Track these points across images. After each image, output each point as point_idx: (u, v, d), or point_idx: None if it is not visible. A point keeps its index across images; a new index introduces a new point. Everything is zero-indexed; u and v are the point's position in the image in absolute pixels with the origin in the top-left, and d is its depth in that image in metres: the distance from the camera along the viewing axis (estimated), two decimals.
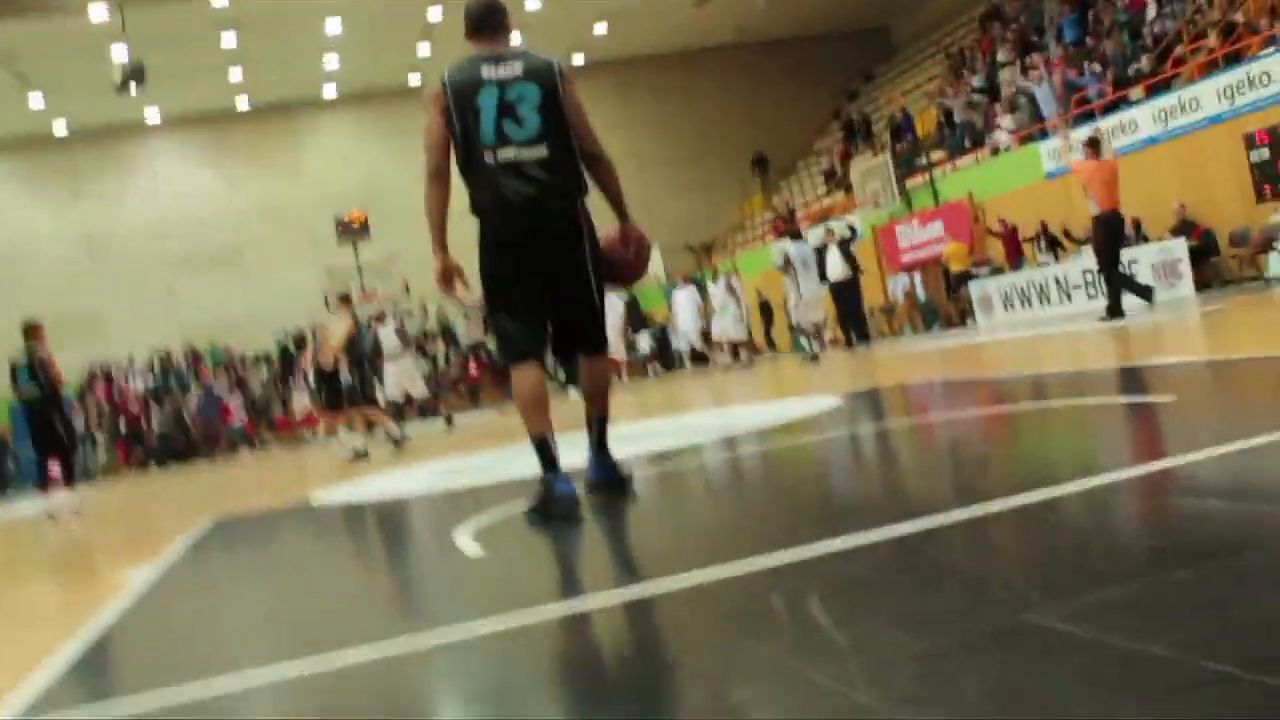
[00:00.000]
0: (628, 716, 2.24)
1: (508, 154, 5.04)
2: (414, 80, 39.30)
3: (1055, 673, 1.95)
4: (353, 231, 33.23)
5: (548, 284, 5.18)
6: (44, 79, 32.97)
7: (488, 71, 5.07)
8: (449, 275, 5.42)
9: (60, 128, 37.40)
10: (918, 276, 27.57)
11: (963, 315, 24.71)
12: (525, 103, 5.05)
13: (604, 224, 5.35)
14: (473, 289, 5.53)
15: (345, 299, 15.16)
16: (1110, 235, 14.47)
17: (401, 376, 18.63)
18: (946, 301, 26.37)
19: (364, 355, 15.03)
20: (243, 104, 38.73)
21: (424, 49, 36.41)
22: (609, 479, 5.39)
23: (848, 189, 31.74)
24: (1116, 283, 14.54)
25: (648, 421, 11.08)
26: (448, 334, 37.92)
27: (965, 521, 3.35)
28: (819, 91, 41.59)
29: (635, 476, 5.64)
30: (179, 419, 34.98)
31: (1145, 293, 14.64)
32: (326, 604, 4.32)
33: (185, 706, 2.84)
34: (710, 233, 39.11)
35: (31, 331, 13.34)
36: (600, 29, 37.44)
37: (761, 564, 3.20)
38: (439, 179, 5.21)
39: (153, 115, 37.84)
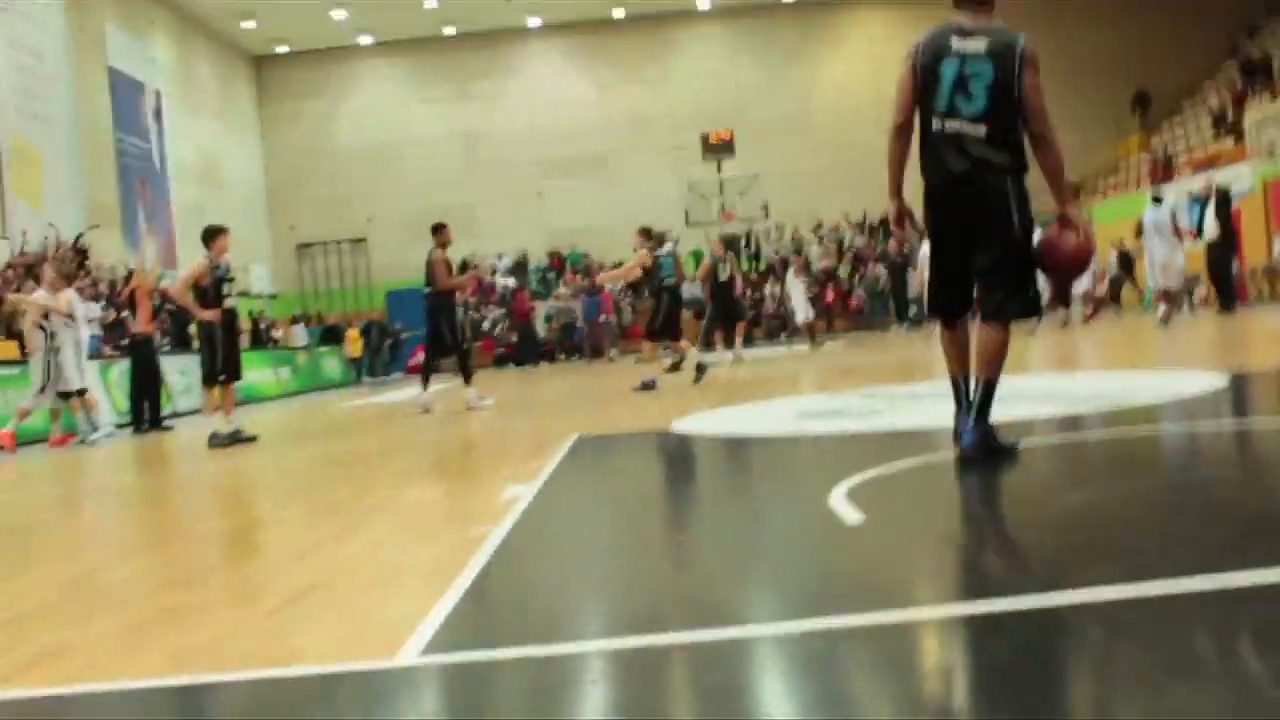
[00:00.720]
0: None
1: (954, 125, 5.29)
2: None
3: None
4: (718, 149, 33.41)
5: (971, 251, 5.41)
6: None
7: (956, 43, 5.29)
8: (900, 218, 5.75)
9: (449, 29, 39.16)
10: None
11: None
12: (979, 80, 5.22)
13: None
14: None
15: (645, 232, 15.23)
16: None
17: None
18: None
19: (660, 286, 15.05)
20: (618, 13, 39.42)
21: None
22: (986, 446, 5.44)
23: (1239, 136, 29.56)
24: None
25: (1008, 380, 10.63)
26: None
27: None
28: (1213, 24, 38.52)
29: (1019, 446, 5.63)
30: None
31: None
32: (679, 565, 4.30)
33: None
34: (1079, 173, 37.18)
35: (433, 230, 14.01)
36: None
37: (1184, 588, 2.92)
38: (901, 133, 5.50)
39: (534, 21, 39.10)
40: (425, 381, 14.42)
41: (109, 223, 29.24)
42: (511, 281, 37.32)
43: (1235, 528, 3.81)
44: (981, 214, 5.32)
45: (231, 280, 12.55)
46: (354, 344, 34.09)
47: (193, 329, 18.09)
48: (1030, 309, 5.68)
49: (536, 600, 3.77)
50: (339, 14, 36.67)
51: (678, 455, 7.77)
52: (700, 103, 39.09)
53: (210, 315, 11.98)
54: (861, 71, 40.19)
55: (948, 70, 5.25)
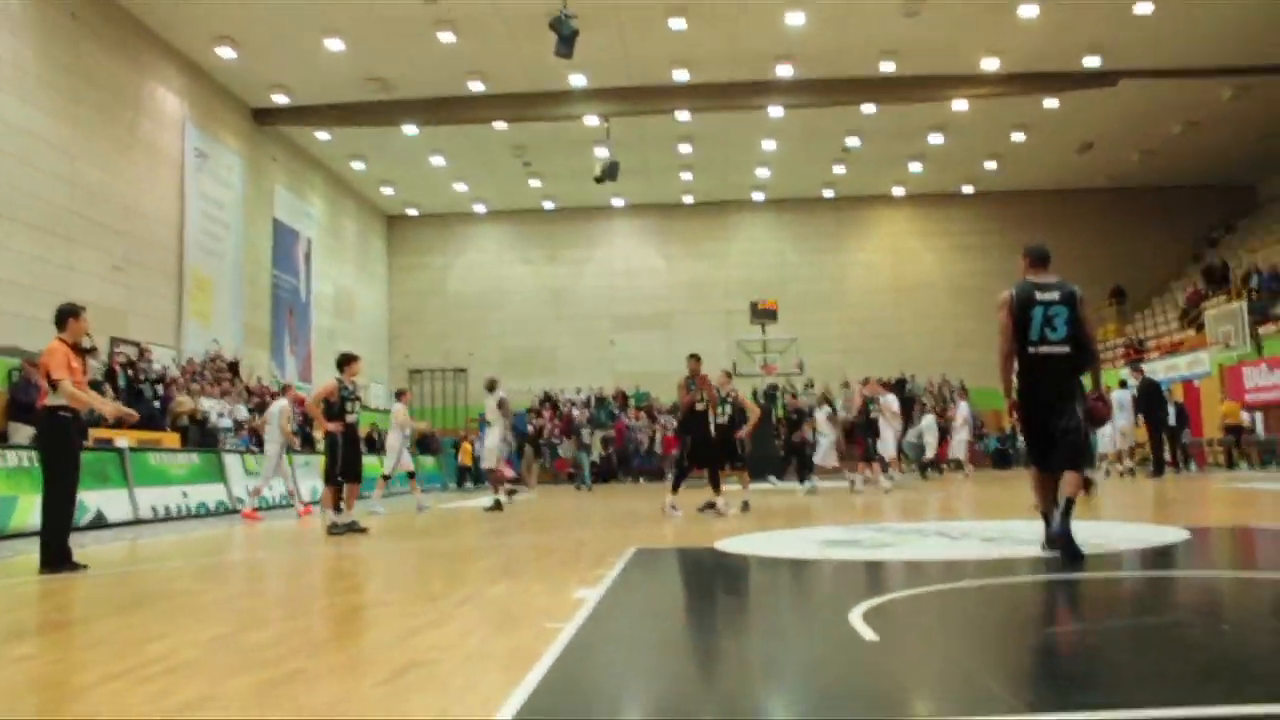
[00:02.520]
0: None
1: (1043, 349, 6.96)
2: (827, 194, 39.58)
3: None
4: (763, 315, 33.64)
5: (1051, 422, 6.99)
6: (542, 167, 35.41)
7: (1039, 294, 6.98)
8: (1013, 409, 7.24)
9: (548, 204, 40.03)
10: (1259, 415, 25.24)
11: None
12: (1059, 317, 6.94)
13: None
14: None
15: (726, 373, 15.43)
16: None
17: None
18: None
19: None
20: (688, 199, 40.17)
21: (839, 169, 36.64)
22: (1067, 539, 6.76)
23: (1199, 327, 29.44)
24: None
25: (1005, 523, 10.52)
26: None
27: None
28: (1180, 236, 38.81)
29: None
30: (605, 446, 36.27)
31: None
32: (723, 666, 4.27)
33: None
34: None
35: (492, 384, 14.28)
36: (990, 165, 36.43)
37: (1152, 715, 2.90)
38: (1007, 359, 7.07)
39: (618, 201, 39.88)
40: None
41: (260, 344, 29.84)
42: (587, 413, 37.47)
43: (1196, 665, 3.75)
44: (1059, 401, 6.95)
45: (357, 399, 12.73)
46: (466, 454, 33.58)
47: (317, 434, 18.34)
48: (1090, 461, 6.94)
49: (600, 689, 3.76)
50: (460, 186, 37.66)
51: (720, 571, 7.71)
52: (750, 275, 39.62)
53: (332, 427, 12.15)
54: (885, 259, 40.67)
55: (1037, 313, 6.93)
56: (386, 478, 18.77)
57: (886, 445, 19.89)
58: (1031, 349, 6.92)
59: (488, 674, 3.94)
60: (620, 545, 9.09)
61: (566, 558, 8.47)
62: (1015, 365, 7.05)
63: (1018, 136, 33.38)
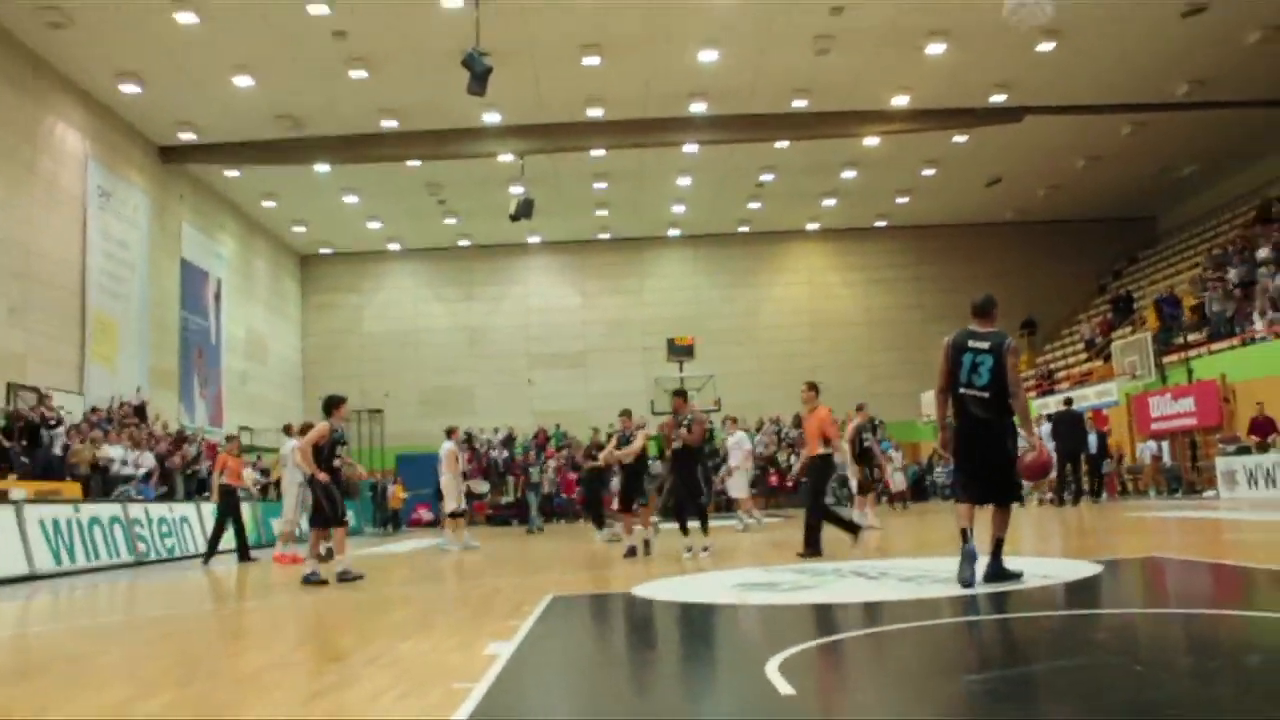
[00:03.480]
0: None
1: (970, 391, 7.61)
2: (743, 229, 39.94)
3: None
4: (680, 351, 33.64)
5: (982, 460, 7.65)
6: (457, 204, 35.26)
7: (971, 342, 7.67)
8: (945, 444, 7.91)
9: (464, 242, 39.81)
10: (1165, 444, 25.86)
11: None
12: (984, 365, 7.57)
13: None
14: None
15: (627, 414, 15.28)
16: None
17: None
18: (1191, 470, 24.59)
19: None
20: (604, 236, 40.24)
21: (754, 204, 37.00)
22: (999, 573, 7.57)
23: (1106, 358, 30.14)
24: None
25: (934, 562, 10.56)
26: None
27: None
28: (1086, 268, 39.87)
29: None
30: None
31: None
32: None
33: None
34: None
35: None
36: (902, 200, 37.06)
37: None
38: (940, 395, 7.81)
39: (534, 239, 39.82)
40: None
41: (168, 386, 29.08)
42: (505, 454, 37.08)
43: (1119, 709, 3.74)
44: (988, 439, 7.59)
45: (345, 444, 12.30)
46: (396, 498, 32.50)
47: (296, 480, 17.25)
48: (1017, 497, 8.01)
49: None
50: (374, 224, 37.23)
51: (637, 618, 7.60)
52: (667, 312, 39.67)
53: (324, 477, 11.58)
54: (800, 293, 41.08)
55: (966, 359, 7.60)
56: (456, 514, 18.72)
57: (740, 486, 19.75)
58: (961, 389, 7.64)
59: None
60: (536, 593, 8.92)
61: (479, 608, 8.29)
62: (950, 403, 7.77)
63: (928, 171, 34.00)
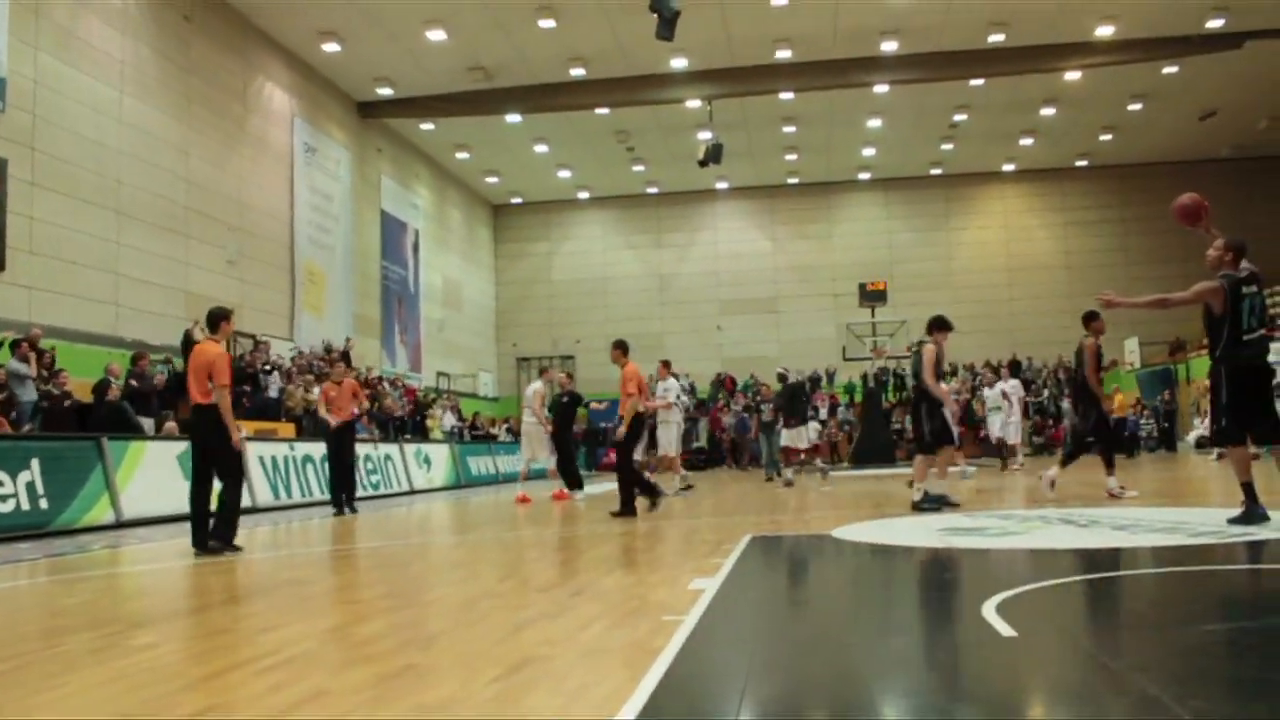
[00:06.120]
0: None
1: (1253, 335, 7.60)
2: (935, 172, 38.74)
3: None
4: (872, 296, 32.94)
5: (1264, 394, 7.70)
6: (645, 151, 35.27)
7: (1244, 288, 7.63)
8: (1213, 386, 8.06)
9: (652, 189, 39.91)
10: None
11: None
12: (1260, 306, 7.61)
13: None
14: None
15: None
16: None
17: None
18: None
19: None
20: (793, 181, 39.65)
21: (947, 146, 35.79)
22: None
23: None
24: None
25: (1137, 511, 10.08)
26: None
27: None
28: None
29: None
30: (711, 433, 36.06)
31: None
32: (855, 660, 4.04)
33: None
34: (1181, 332, 35.60)
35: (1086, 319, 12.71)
36: (1106, 137, 35.20)
37: None
38: (1161, 303, 8.28)
39: (722, 185, 39.55)
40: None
41: (371, 334, 30.29)
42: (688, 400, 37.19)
43: None
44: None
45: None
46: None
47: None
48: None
49: (725, 687, 3.56)
50: (564, 173, 37.72)
51: (840, 559, 7.47)
52: (858, 257, 39.02)
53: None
54: (996, 238, 39.64)
55: (1244, 305, 7.60)
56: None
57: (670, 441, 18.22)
58: (1246, 336, 7.57)
59: (605, 670, 3.78)
60: (735, 533, 8.89)
61: (679, 547, 8.31)
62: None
63: (1135, 106, 32.16)
